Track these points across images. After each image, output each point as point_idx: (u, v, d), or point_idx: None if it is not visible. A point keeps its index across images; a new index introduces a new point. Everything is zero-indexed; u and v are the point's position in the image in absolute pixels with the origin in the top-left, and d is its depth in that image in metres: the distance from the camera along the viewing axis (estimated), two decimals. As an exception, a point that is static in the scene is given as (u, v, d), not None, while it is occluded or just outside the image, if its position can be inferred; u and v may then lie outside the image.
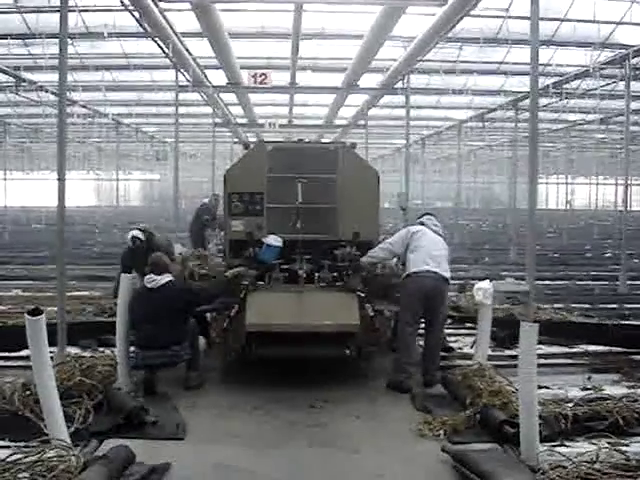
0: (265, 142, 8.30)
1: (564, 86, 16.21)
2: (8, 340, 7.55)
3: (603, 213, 37.81)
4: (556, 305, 10.69)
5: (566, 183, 32.36)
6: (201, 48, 14.04)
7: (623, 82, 13.75)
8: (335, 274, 7.28)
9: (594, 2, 12.31)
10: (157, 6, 10.79)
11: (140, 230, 9.49)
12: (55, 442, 4.60)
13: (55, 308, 6.61)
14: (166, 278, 6.81)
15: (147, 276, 6.81)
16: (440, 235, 7.36)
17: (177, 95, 13.96)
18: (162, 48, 12.36)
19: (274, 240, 7.18)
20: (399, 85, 15.27)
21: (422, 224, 7.41)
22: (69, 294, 8.83)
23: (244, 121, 23.22)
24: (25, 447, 4.67)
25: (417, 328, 7.11)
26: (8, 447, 4.78)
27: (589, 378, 7.20)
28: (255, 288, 7.04)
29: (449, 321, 8.77)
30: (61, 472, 4.20)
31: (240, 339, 6.92)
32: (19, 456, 4.38)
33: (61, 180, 6.15)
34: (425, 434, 5.58)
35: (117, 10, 11.38)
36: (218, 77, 16.32)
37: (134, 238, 9.25)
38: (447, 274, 7.04)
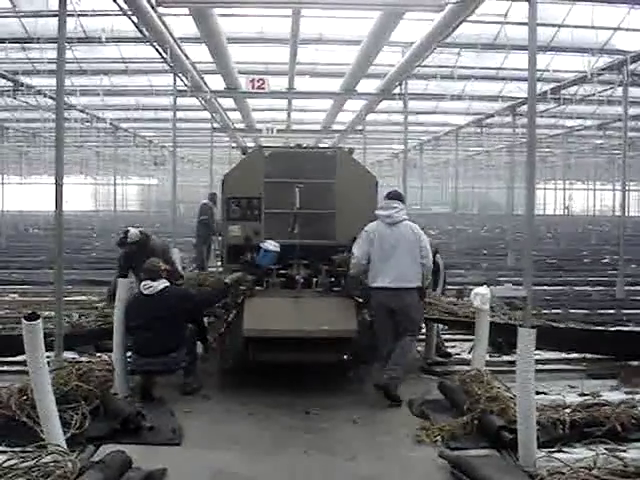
0: (263, 147, 8.30)
1: (562, 92, 16.25)
2: (5, 345, 7.52)
3: (601, 219, 37.78)
4: (554, 310, 10.70)
5: (564, 189, 32.45)
6: (199, 53, 14.06)
7: (621, 88, 13.76)
8: (333, 279, 7.27)
9: (592, 8, 12.33)
10: (155, 11, 10.78)
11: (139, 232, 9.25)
12: (51, 447, 4.57)
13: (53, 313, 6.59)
14: (162, 284, 6.80)
15: (143, 282, 6.81)
16: (397, 222, 6.70)
17: (175, 100, 13.96)
18: (160, 53, 12.36)
19: (271, 245, 7.16)
20: (397, 90, 15.28)
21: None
22: (66, 299, 8.78)
23: (242, 126, 23.22)
24: (21, 452, 4.63)
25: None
26: (4, 452, 4.76)
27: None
28: (253, 293, 7.04)
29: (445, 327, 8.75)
30: (57, 477, 4.18)
31: (238, 344, 6.90)
32: (15, 461, 4.35)
33: (59, 185, 6.14)
34: (423, 440, 5.56)
35: (115, 15, 11.37)
36: (216, 82, 16.34)
37: (128, 235, 8.64)
38: (410, 284, 6.64)
